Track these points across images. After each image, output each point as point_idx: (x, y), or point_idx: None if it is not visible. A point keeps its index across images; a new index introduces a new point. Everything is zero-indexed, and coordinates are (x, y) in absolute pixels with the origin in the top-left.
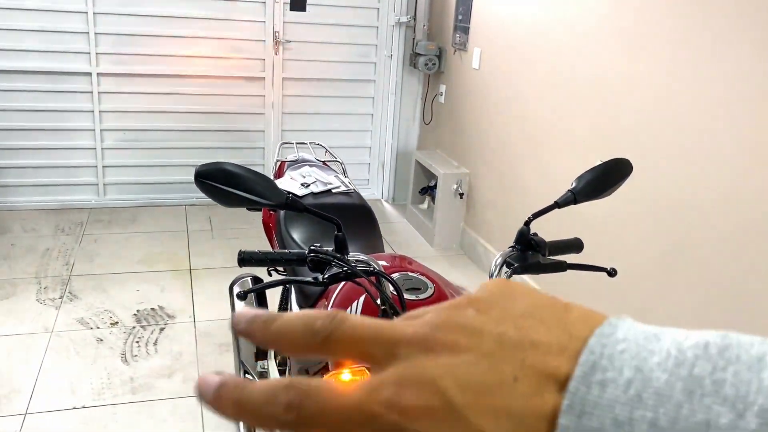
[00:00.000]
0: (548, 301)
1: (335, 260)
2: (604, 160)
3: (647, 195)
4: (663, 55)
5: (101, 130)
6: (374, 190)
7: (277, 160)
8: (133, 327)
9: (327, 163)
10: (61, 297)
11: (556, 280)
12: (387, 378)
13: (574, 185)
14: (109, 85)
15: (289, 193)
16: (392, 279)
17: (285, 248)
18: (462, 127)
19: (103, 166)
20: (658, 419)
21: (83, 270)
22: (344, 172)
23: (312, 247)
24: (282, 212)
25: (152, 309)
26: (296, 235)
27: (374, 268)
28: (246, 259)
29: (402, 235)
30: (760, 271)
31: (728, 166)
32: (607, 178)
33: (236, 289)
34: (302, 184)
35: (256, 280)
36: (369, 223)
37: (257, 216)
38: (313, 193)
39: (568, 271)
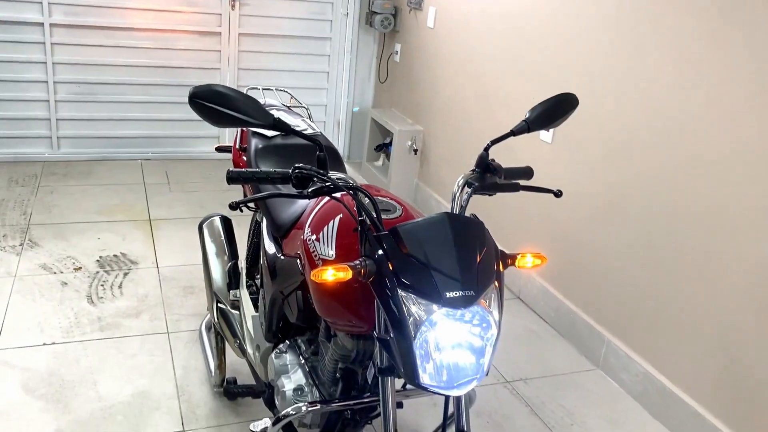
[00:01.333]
0: None
1: (318, 176)
2: (553, 95)
3: (594, 135)
4: (608, 11)
5: (54, 82)
6: None
7: None
8: (97, 272)
9: (292, 109)
10: (21, 244)
11: (510, 204)
12: None
13: (527, 116)
14: (62, 37)
15: (274, 116)
16: (369, 194)
17: (256, 187)
18: (417, 85)
19: (57, 119)
20: None
21: (42, 220)
22: (310, 117)
23: (296, 165)
24: (253, 152)
25: (115, 256)
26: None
27: (354, 183)
28: (234, 177)
29: None
30: (687, 208)
31: (664, 107)
32: (556, 109)
33: (208, 226)
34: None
35: (225, 219)
36: (337, 165)
37: (213, 169)
38: (281, 135)
39: (520, 192)
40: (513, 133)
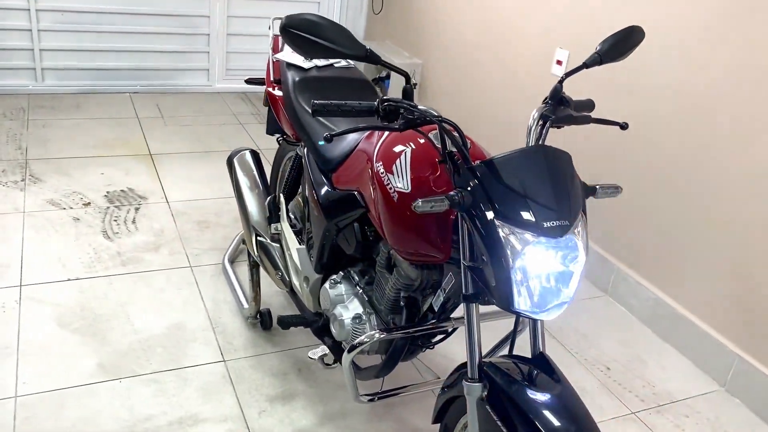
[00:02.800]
0: None
1: (407, 108)
2: (621, 28)
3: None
4: None
5: (37, 10)
6: None
7: (274, 35)
8: (107, 207)
9: None
10: (23, 180)
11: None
12: None
13: (599, 48)
14: None
15: (366, 47)
16: (458, 127)
17: (297, 119)
18: (415, 16)
19: (40, 50)
20: None
21: (39, 154)
22: None
23: (383, 98)
24: (291, 84)
25: (122, 191)
26: (308, 105)
27: (439, 116)
28: (319, 110)
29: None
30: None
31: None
32: (626, 41)
33: (239, 160)
34: (305, 58)
35: (254, 153)
36: (370, 95)
37: (206, 103)
38: (317, 67)
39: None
40: (586, 65)
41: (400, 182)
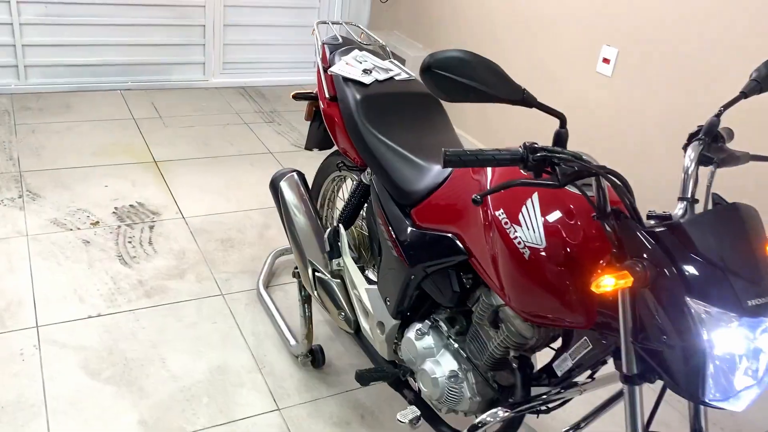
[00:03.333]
0: None
1: (567, 158)
2: None
3: (664, 63)
4: None
5: (18, 1)
6: None
7: (323, 43)
8: (118, 226)
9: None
10: (21, 196)
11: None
12: None
13: (756, 74)
14: None
15: (522, 88)
16: (625, 180)
17: (364, 143)
18: (427, 3)
19: (23, 45)
20: None
21: (33, 165)
22: (388, 56)
23: (528, 144)
24: (353, 103)
25: (131, 206)
26: (376, 128)
27: (597, 164)
28: (453, 160)
29: None
30: None
31: None
32: None
33: (287, 184)
34: (364, 71)
35: (301, 175)
36: (439, 113)
37: (205, 99)
38: (377, 81)
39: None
40: (744, 95)
41: (532, 235)
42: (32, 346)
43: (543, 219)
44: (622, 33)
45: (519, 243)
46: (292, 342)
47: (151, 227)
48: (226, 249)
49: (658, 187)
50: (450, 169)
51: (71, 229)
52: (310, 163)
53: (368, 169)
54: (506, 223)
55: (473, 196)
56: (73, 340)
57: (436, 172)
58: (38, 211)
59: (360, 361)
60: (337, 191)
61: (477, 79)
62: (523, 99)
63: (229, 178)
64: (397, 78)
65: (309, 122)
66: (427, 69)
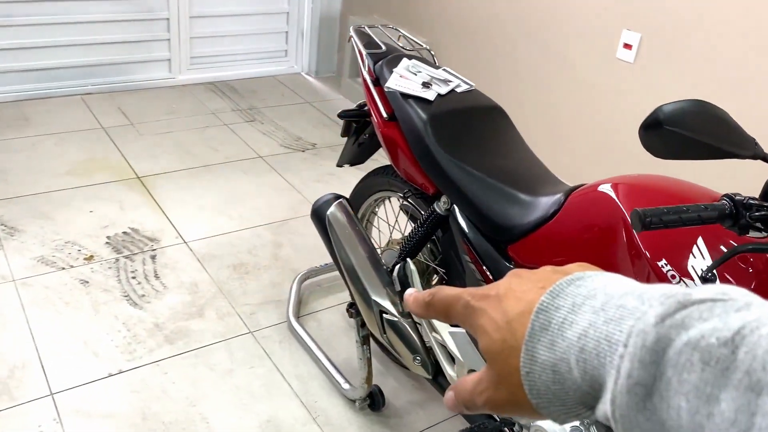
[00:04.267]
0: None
1: None
2: None
3: (694, 49)
4: None
5: None
6: (293, 62)
7: (369, 53)
8: (116, 259)
9: (406, 50)
10: None
11: (569, 134)
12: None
13: None
14: None
15: (753, 139)
16: None
17: (440, 170)
18: None
19: None
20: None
21: (2, 192)
22: (434, 60)
23: (737, 197)
24: (421, 124)
25: (125, 233)
26: (451, 152)
27: None
28: (654, 222)
29: None
30: None
31: None
32: None
33: (336, 214)
34: (423, 84)
35: (347, 200)
36: (510, 128)
37: (176, 100)
38: (439, 95)
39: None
40: None
41: None
42: (52, 420)
43: (718, 271)
44: (644, 16)
45: None
46: (344, 384)
47: (153, 257)
48: (242, 276)
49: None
50: (559, 202)
51: (64, 268)
52: (305, 167)
53: (444, 198)
54: (674, 277)
55: (702, 272)
56: (98, 406)
57: (536, 203)
58: (20, 249)
59: (418, 397)
60: (377, 212)
61: (707, 132)
62: (755, 153)
63: (224, 190)
64: (458, 90)
65: (347, 139)
66: (655, 125)
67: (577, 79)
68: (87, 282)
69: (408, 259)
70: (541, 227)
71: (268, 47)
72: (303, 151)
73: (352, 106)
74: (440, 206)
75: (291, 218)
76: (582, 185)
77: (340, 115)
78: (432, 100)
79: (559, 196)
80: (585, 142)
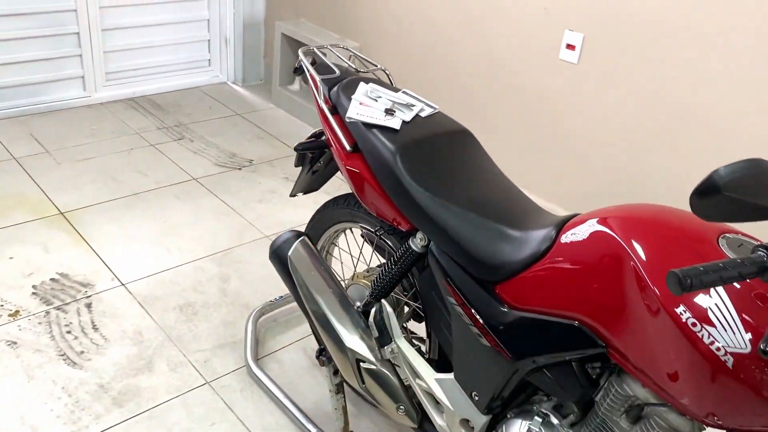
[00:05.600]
0: None
1: None
2: None
3: (635, 49)
4: None
5: None
6: (217, 71)
7: (323, 78)
8: (46, 312)
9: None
10: None
11: (519, 137)
12: None
13: None
14: None
15: None
16: None
17: (414, 205)
18: None
19: None
20: None
21: None
22: (391, 82)
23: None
24: (390, 155)
25: (53, 280)
26: (425, 184)
27: None
28: (693, 284)
29: (277, 124)
30: None
31: None
32: None
33: (298, 255)
34: (386, 112)
35: (309, 237)
36: (479, 152)
37: (95, 121)
38: (404, 122)
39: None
40: None
41: (732, 338)
42: None
43: (738, 313)
44: (587, 16)
45: (719, 350)
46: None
47: (88, 305)
48: (190, 318)
49: (633, 180)
50: (550, 237)
51: None
52: (244, 186)
53: (420, 234)
54: (694, 324)
55: (761, 347)
56: None
57: (524, 239)
58: None
59: None
60: (337, 243)
61: (763, 193)
62: None
63: (158, 220)
64: (422, 115)
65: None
66: (713, 192)
67: (520, 84)
68: (15, 343)
69: (383, 301)
70: (533, 265)
71: (189, 57)
72: (239, 168)
73: (286, 115)
74: (416, 243)
75: (235, 246)
76: (573, 216)
77: (296, 149)
78: (398, 129)
79: (549, 230)
80: (535, 148)
